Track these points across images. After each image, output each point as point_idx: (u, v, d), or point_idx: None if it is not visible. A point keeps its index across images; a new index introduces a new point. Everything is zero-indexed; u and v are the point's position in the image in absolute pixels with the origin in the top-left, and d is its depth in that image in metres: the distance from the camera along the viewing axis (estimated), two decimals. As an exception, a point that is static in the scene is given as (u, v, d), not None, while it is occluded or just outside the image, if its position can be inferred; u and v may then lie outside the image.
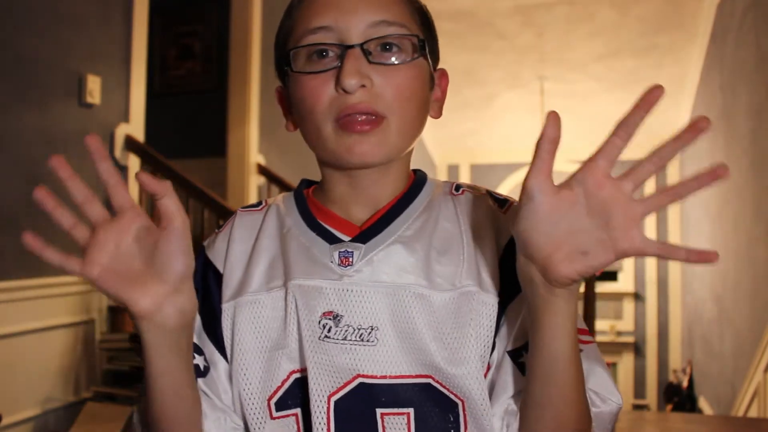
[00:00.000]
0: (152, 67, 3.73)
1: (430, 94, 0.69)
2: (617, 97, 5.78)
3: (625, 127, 0.52)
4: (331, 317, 0.63)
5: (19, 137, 2.28)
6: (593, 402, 0.61)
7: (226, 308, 0.67)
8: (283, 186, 3.62)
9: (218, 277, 0.69)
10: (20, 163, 2.27)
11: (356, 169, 0.66)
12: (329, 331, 0.62)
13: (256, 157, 3.73)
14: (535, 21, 4.71)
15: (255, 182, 3.68)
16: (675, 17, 4.65)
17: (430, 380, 0.61)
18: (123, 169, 2.74)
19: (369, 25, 0.63)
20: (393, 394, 0.61)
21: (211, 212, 2.86)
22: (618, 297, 7.21)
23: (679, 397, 5.59)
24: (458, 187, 0.72)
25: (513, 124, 6.63)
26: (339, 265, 0.64)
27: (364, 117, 0.62)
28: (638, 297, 7.21)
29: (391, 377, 0.61)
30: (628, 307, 7.24)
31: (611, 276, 7.22)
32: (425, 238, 0.66)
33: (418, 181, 0.71)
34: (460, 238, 0.66)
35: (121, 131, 2.73)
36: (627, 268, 7.26)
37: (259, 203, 0.75)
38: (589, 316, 3.06)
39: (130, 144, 2.75)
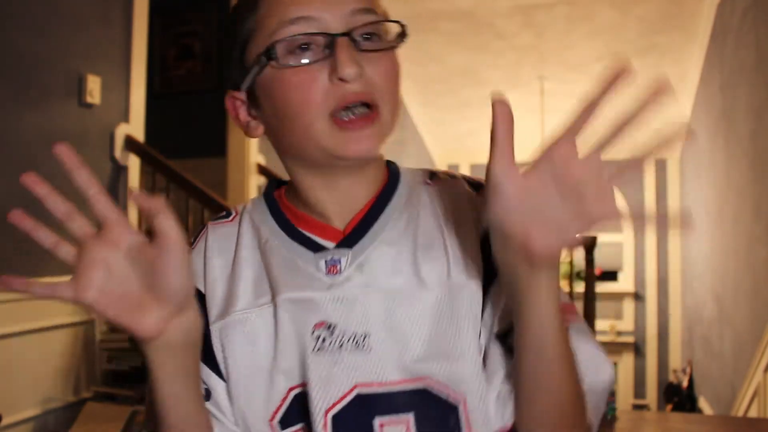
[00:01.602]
0: (152, 67, 3.73)
1: None
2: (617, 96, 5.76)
3: (588, 106, 0.51)
4: (325, 327, 0.61)
5: (19, 137, 2.28)
6: (584, 375, 0.61)
7: (214, 330, 0.64)
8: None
9: (200, 297, 0.65)
10: (20, 163, 2.27)
11: (351, 165, 0.63)
12: (323, 341, 0.60)
13: (256, 157, 3.73)
14: (535, 21, 4.71)
15: (255, 182, 3.68)
16: (675, 17, 4.65)
17: (427, 384, 0.60)
18: (123, 169, 2.74)
19: (350, 13, 0.61)
20: (391, 402, 0.60)
21: (211, 212, 2.86)
22: (618, 297, 7.21)
23: (679, 397, 5.59)
24: (432, 175, 0.71)
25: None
26: (327, 273, 0.62)
27: (361, 111, 0.60)
28: (638, 297, 7.21)
29: (388, 384, 0.60)
30: (628, 307, 7.24)
31: (611, 276, 7.22)
32: (409, 235, 0.64)
33: (393, 175, 0.69)
34: (440, 230, 0.65)
35: (121, 131, 2.73)
36: (627, 268, 7.26)
37: (228, 213, 0.72)
38: (589, 316, 3.06)
39: (130, 144, 2.75)
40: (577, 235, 0.50)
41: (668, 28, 4.78)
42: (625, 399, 6.87)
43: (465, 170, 7.64)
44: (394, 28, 0.64)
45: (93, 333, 2.57)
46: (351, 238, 0.64)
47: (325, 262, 0.63)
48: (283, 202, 0.69)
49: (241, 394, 0.62)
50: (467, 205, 0.67)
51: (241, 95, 0.66)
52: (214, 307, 0.65)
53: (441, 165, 7.68)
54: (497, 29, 4.82)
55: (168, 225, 0.50)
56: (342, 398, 0.60)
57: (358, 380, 0.60)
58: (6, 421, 2.14)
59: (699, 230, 5.59)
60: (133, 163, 2.79)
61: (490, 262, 0.59)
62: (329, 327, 0.61)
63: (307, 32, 0.59)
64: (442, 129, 6.80)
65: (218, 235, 0.69)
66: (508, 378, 0.61)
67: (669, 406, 5.65)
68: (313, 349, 0.60)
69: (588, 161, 0.50)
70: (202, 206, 2.85)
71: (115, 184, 2.70)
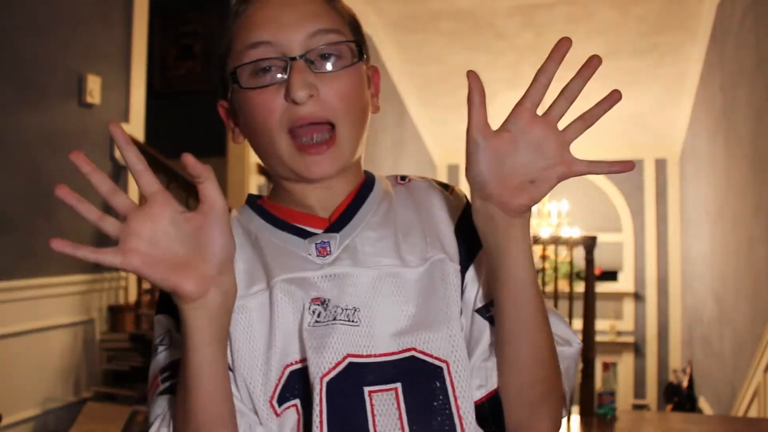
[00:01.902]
0: (152, 67, 3.73)
1: (368, 93, 0.72)
2: (617, 97, 5.77)
3: (542, 75, 0.62)
4: (320, 303, 0.65)
5: (19, 137, 2.28)
6: (556, 341, 0.67)
7: None
8: (283, 186, 3.63)
9: None
10: (20, 163, 2.27)
11: (314, 183, 0.69)
12: (319, 315, 0.65)
13: (255, 157, 3.72)
14: (535, 21, 4.71)
15: (255, 182, 3.68)
16: (675, 17, 4.65)
17: (413, 352, 0.64)
18: (123, 169, 2.74)
19: (307, 36, 0.65)
20: (379, 372, 0.63)
21: (211, 212, 2.86)
22: (618, 297, 7.21)
23: (679, 397, 5.59)
24: (404, 177, 0.78)
25: (513, 124, 6.62)
26: (318, 255, 0.67)
27: (318, 138, 0.66)
28: (638, 297, 7.21)
29: (376, 356, 0.64)
30: (628, 307, 7.24)
31: (611, 276, 7.23)
32: (390, 223, 0.70)
33: (369, 177, 0.75)
34: (418, 220, 0.71)
35: (121, 131, 2.73)
36: (627, 268, 7.27)
37: None
38: (589, 316, 3.06)
39: (130, 144, 2.75)
40: (543, 186, 0.59)
41: (668, 28, 4.78)
42: (625, 399, 6.87)
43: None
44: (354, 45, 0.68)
45: (93, 333, 2.57)
46: (337, 224, 0.69)
47: (315, 245, 0.68)
48: (266, 203, 0.74)
49: (245, 380, 0.64)
50: (439, 200, 0.73)
51: (226, 104, 0.74)
52: None
53: (441, 165, 7.69)
54: (497, 29, 4.83)
55: (214, 191, 0.55)
56: (336, 366, 0.63)
57: (350, 350, 0.63)
58: (6, 421, 2.14)
59: (699, 230, 5.59)
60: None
61: (466, 245, 0.70)
62: (323, 302, 0.65)
63: (265, 57, 0.65)
64: (442, 129, 6.80)
65: None
66: (491, 346, 0.67)
67: (669, 406, 5.65)
68: (310, 323, 0.64)
69: (546, 121, 0.60)
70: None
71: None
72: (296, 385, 0.64)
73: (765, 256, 3.28)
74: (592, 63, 0.64)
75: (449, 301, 0.67)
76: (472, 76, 0.61)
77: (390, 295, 0.66)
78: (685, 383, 5.67)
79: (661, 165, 7.04)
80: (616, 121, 6.39)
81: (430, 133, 6.96)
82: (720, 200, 4.55)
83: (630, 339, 7.17)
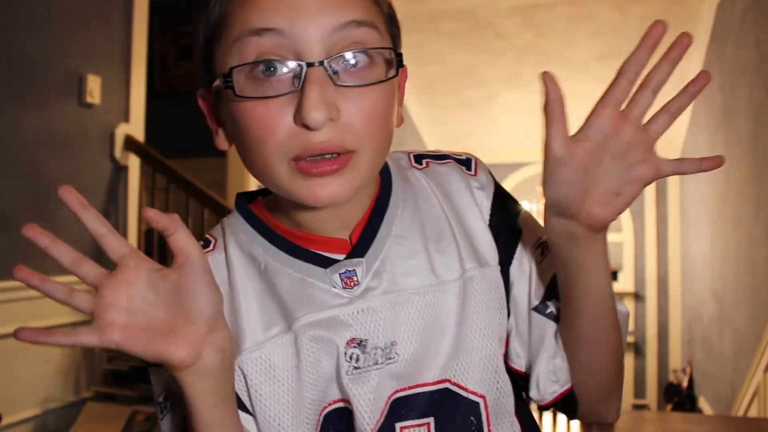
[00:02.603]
0: (152, 67, 3.73)
1: (397, 109, 0.59)
2: (617, 97, 5.77)
3: (632, 67, 0.52)
4: (356, 344, 0.56)
5: (19, 137, 2.28)
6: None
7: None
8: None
9: None
10: (20, 163, 2.27)
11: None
12: (357, 360, 0.56)
13: (256, 157, 3.73)
14: (535, 21, 4.71)
15: (255, 182, 3.68)
16: (675, 17, 4.65)
17: (447, 384, 0.58)
18: (123, 169, 2.74)
19: (333, 29, 0.50)
20: (412, 406, 0.58)
21: (211, 212, 2.86)
22: (618, 297, 7.21)
23: (679, 397, 5.59)
24: (418, 158, 0.66)
25: (513, 124, 6.63)
26: (344, 287, 0.57)
27: (329, 156, 0.51)
28: (638, 297, 7.21)
29: (410, 388, 0.58)
30: (628, 307, 7.23)
31: (611, 276, 7.23)
32: (417, 227, 0.61)
33: (384, 176, 0.64)
34: (445, 217, 0.62)
35: (121, 131, 2.73)
36: (627, 267, 7.27)
37: (208, 242, 0.63)
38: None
39: (130, 144, 2.75)
40: (629, 195, 0.53)
41: (668, 28, 4.78)
42: (625, 399, 6.85)
43: (465, 170, 7.64)
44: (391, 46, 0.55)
45: (93, 333, 2.57)
46: (360, 245, 0.59)
47: (340, 275, 0.57)
48: (268, 218, 0.62)
49: (272, 421, 0.57)
50: (465, 188, 0.64)
51: (209, 97, 0.59)
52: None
53: (441, 165, 7.68)
54: (497, 29, 4.82)
55: (185, 242, 0.47)
56: (383, 412, 0.57)
57: (391, 390, 0.58)
58: (6, 421, 2.14)
59: (699, 230, 5.59)
60: (133, 163, 2.79)
61: (504, 240, 0.63)
62: (360, 343, 0.57)
63: (271, 57, 0.50)
64: (442, 129, 6.80)
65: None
66: (557, 344, 0.62)
67: (669, 406, 5.65)
68: (348, 371, 0.56)
69: (629, 120, 0.52)
70: (202, 206, 2.85)
71: (115, 184, 2.70)
72: (332, 426, 0.58)
73: (765, 256, 3.28)
74: (682, 42, 0.53)
75: (490, 320, 0.60)
76: (549, 81, 0.53)
77: (426, 319, 0.58)
78: (685, 383, 5.67)
79: (661, 165, 7.05)
80: (616, 121, 6.38)
81: (430, 133, 6.96)
82: (720, 200, 4.55)
83: (630, 339, 7.17)
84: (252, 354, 0.57)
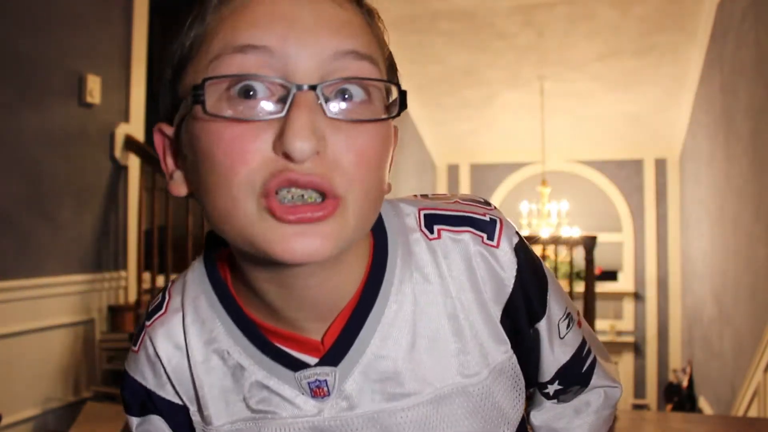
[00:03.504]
0: (152, 67, 3.73)
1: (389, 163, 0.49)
2: (617, 97, 5.78)
3: None
4: None
5: (19, 137, 2.28)
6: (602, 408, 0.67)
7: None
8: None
9: (167, 403, 0.56)
10: (20, 163, 2.27)
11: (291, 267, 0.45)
12: None
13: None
14: (535, 21, 4.71)
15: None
16: (675, 17, 4.65)
17: None
18: (123, 169, 2.74)
19: (332, 56, 0.43)
20: None
21: (211, 212, 2.86)
22: (618, 297, 7.21)
23: (679, 397, 5.60)
24: (430, 223, 0.54)
25: (513, 124, 6.63)
26: (313, 397, 0.51)
27: (311, 200, 0.42)
28: (638, 297, 7.22)
29: None
30: (628, 307, 7.24)
31: (611, 276, 7.23)
32: (407, 329, 0.51)
33: (379, 246, 0.53)
34: (448, 310, 0.53)
35: (121, 131, 2.73)
36: (627, 267, 7.27)
37: (161, 303, 0.56)
38: (589, 316, 3.07)
39: (130, 144, 2.75)
40: None
41: (668, 28, 4.78)
42: (625, 399, 6.87)
43: (465, 170, 7.64)
44: (390, 89, 0.47)
45: (93, 333, 2.57)
46: (333, 353, 0.50)
47: (309, 384, 0.50)
48: (236, 290, 0.53)
49: None
50: (480, 268, 0.53)
51: (170, 131, 0.49)
52: (211, 412, 0.54)
53: (441, 165, 7.68)
54: (497, 29, 4.82)
55: None
56: None
57: None
58: (6, 421, 2.14)
59: (699, 230, 5.59)
60: (133, 163, 2.79)
61: (516, 326, 0.56)
62: None
63: (255, 74, 0.42)
64: (442, 129, 6.80)
65: (164, 339, 0.55)
66: (548, 413, 0.66)
67: (669, 406, 5.66)
68: None
69: None
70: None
71: (115, 184, 2.70)
72: None
73: (765, 256, 3.28)
74: None
75: (503, 410, 0.56)
76: None
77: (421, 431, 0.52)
78: (685, 383, 5.67)
79: (660, 165, 7.04)
80: (616, 121, 6.39)
81: (430, 133, 6.96)
82: (720, 200, 4.55)
83: (630, 339, 7.17)
84: (225, 428, 0.53)
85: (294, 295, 0.48)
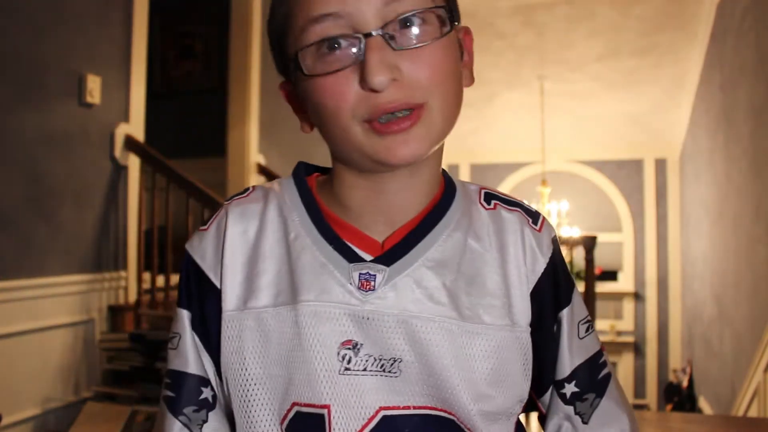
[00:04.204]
0: (152, 67, 3.73)
1: (461, 62, 0.60)
2: (617, 97, 5.78)
3: None
4: (351, 347, 0.56)
5: (20, 137, 2.28)
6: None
7: (230, 319, 0.59)
8: (283, 186, 3.63)
9: (211, 287, 0.62)
10: (20, 163, 2.27)
11: (396, 169, 0.57)
12: (349, 362, 0.56)
13: (256, 156, 3.73)
14: (535, 21, 4.71)
15: (255, 182, 3.68)
16: (675, 17, 4.65)
17: (453, 418, 0.58)
18: (123, 169, 2.74)
19: (384, 3, 0.53)
20: (416, 426, 0.57)
21: (211, 212, 2.86)
22: (618, 297, 7.21)
23: (679, 397, 5.59)
24: (489, 197, 0.64)
25: (513, 124, 6.63)
26: (359, 288, 0.57)
27: (401, 114, 0.54)
28: (638, 297, 7.21)
29: (414, 408, 0.57)
30: (628, 306, 7.24)
31: (611, 276, 7.22)
32: (454, 261, 0.59)
33: (448, 187, 0.63)
34: (491, 265, 0.60)
35: (121, 131, 2.73)
36: (627, 267, 7.26)
37: (243, 191, 0.65)
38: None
39: (130, 144, 2.75)
40: None
41: (668, 28, 4.78)
42: (625, 399, 6.87)
43: (465, 170, 7.64)
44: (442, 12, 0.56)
45: (93, 333, 2.57)
46: (390, 254, 0.58)
47: (360, 275, 0.57)
48: (318, 199, 0.63)
49: (250, 396, 0.58)
50: (522, 241, 0.62)
51: (288, 86, 0.63)
52: (231, 297, 0.60)
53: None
54: (497, 29, 4.82)
55: None
56: (369, 421, 0.56)
57: (384, 404, 0.56)
58: (6, 421, 2.14)
59: (699, 230, 5.59)
60: (133, 163, 2.79)
61: (544, 309, 0.62)
62: (355, 346, 0.56)
63: (332, 35, 0.53)
64: (442, 129, 6.79)
65: (238, 217, 0.63)
66: (560, 418, 0.65)
67: (669, 406, 5.65)
68: (339, 371, 0.56)
69: None
70: (202, 206, 2.85)
71: (115, 184, 2.70)
72: (303, 429, 0.57)
73: (765, 256, 3.28)
74: None
75: (509, 376, 0.59)
76: None
77: (439, 352, 0.56)
78: (685, 383, 5.67)
79: (661, 165, 7.04)
80: (616, 121, 6.39)
81: (430, 133, 6.95)
82: (720, 200, 4.55)
83: (630, 339, 7.17)
84: (258, 314, 0.58)
85: (377, 197, 0.59)
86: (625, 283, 7.25)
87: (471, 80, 0.62)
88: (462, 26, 0.62)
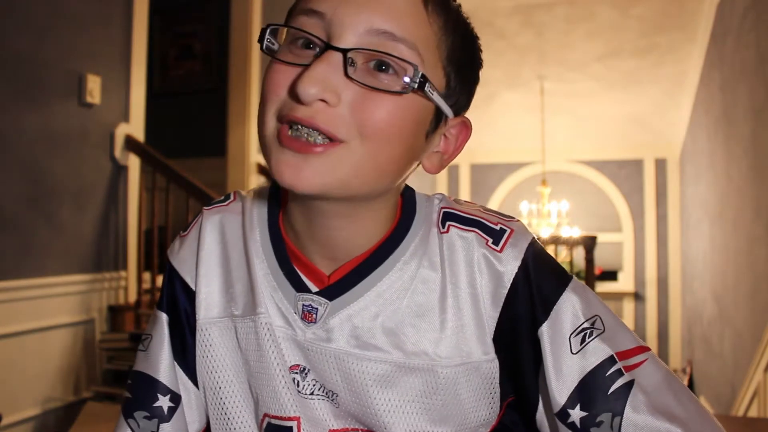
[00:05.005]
0: (152, 67, 3.73)
1: (424, 140, 0.55)
2: (617, 97, 5.78)
3: None
4: (298, 371, 0.58)
5: (20, 137, 2.28)
6: None
7: (204, 326, 0.61)
8: (283, 186, 3.62)
9: (189, 293, 0.63)
10: (20, 163, 2.27)
11: (305, 198, 0.54)
12: (298, 385, 0.58)
13: (256, 156, 3.73)
14: (535, 21, 4.71)
15: (255, 182, 3.68)
16: (675, 17, 4.65)
17: None
18: (123, 169, 2.74)
19: (369, 31, 0.49)
20: None
21: (211, 212, 2.85)
22: (618, 297, 7.21)
23: (679, 397, 5.58)
24: (446, 219, 0.59)
25: (513, 124, 6.63)
26: (302, 318, 0.57)
27: (312, 139, 0.49)
28: (638, 297, 7.21)
29: (352, 430, 0.59)
30: (628, 307, 7.24)
31: (611, 276, 7.22)
32: (402, 296, 0.57)
33: (404, 217, 0.59)
34: (443, 294, 0.57)
35: (121, 131, 2.73)
36: (627, 267, 7.26)
37: (227, 197, 0.66)
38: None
39: (130, 144, 2.75)
40: None
41: (668, 28, 4.78)
42: (625, 399, 6.86)
43: (465, 170, 7.64)
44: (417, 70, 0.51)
45: (93, 333, 2.57)
46: (334, 289, 0.57)
47: (303, 305, 0.57)
48: (281, 217, 0.62)
49: (221, 400, 0.60)
50: (478, 265, 0.57)
51: None
52: (206, 303, 0.61)
53: (441, 165, 7.66)
54: (497, 29, 4.82)
55: None
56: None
57: (332, 426, 0.59)
58: (6, 421, 2.14)
59: (699, 230, 5.59)
60: (133, 163, 2.79)
61: (514, 332, 0.57)
62: (303, 371, 0.58)
63: (305, 32, 0.51)
64: (442, 129, 6.79)
65: (215, 225, 0.63)
66: None
67: (669, 406, 5.64)
68: (292, 391, 0.58)
69: None
70: (202, 206, 2.85)
71: (115, 183, 2.70)
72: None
73: (765, 256, 3.28)
74: None
75: (463, 403, 0.57)
76: None
77: (375, 395, 0.56)
78: (685, 383, 5.66)
79: (661, 165, 7.04)
80: (616, 121, 6.39)
81: (430, 133, 6.95)
82: (720, 200, 4.55)
83: (630, 339, 7.17)
84: (225, 321, 0.60)
85: (317, 230, 0.56)
86: (625, 283, 7.25)
87: (437, 169, 0.57)
88: (461, 119, 0.58)
